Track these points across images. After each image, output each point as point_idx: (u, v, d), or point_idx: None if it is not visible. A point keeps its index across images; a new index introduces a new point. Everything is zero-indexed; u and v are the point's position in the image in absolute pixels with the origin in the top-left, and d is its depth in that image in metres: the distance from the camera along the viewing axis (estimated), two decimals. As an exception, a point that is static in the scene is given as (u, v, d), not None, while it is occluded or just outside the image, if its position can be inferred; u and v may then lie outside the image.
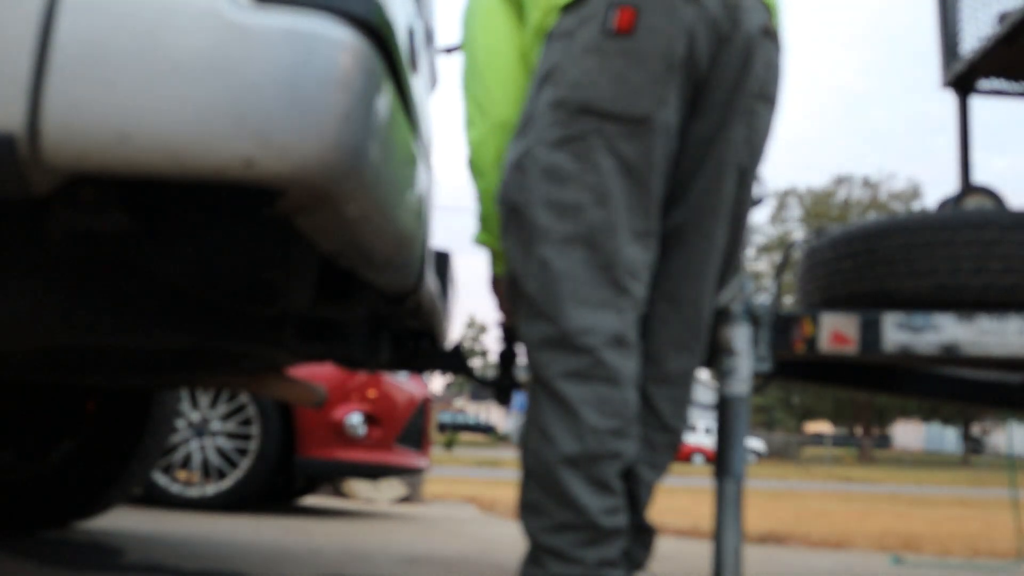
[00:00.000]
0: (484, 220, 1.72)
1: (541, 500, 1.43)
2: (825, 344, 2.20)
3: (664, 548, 3.70)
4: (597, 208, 1.44)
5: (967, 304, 2.09)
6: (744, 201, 1.63)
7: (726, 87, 1.52)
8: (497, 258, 1.75)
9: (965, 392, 2.47)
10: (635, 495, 1.55)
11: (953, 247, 2.32)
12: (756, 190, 1.71)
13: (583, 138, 1.43)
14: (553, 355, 1.43)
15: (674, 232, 1.57)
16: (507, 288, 1.54)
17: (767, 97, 1.58)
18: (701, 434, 33.69)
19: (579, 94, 1.44)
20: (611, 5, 1.44)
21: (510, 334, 2.32)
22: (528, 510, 1.45)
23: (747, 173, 1.60)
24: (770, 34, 1.56)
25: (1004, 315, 2.04)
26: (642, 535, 1.60)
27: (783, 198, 43.33)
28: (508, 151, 1.53)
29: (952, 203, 3.13)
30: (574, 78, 1.44)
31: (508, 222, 1.50)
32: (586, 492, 1.40)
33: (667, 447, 1.61)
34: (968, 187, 3.26)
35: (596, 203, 1.43)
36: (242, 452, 3.99)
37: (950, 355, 2.08)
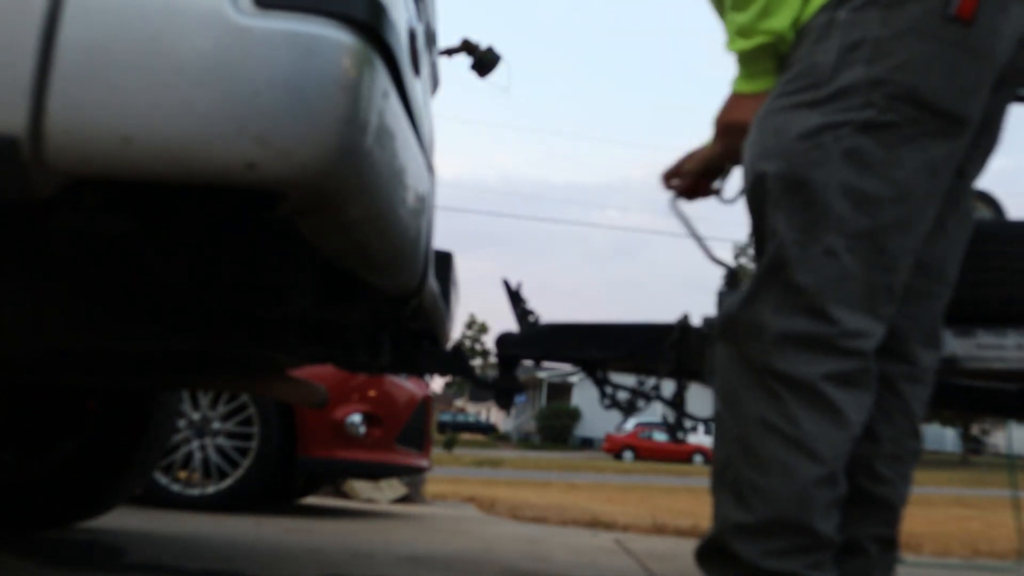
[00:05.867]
0: (752, 62, 1.46)
1: (774, 521, 1.26)
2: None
3: (664, 548, 3.69)
4: (894, 205, 1.30)
5: (963, 317, 2.08)
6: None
7: (1007, 84, 1.43)
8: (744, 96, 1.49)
9: (962, 400, 2.46)
10: (894, 507, 1.45)
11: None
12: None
13: (895, 127, 1.29)
14: (815, 355, 1.27)
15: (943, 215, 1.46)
16: (766, 272, 1.35)
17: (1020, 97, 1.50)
18: (701, 434, 33.68)
19: (903, 79, 1.29)
20: None
21: (509, 338, 2.32)
22: (750, 532, 1.28)
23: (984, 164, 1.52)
24: None
25: (1002, 330, 2.03)
26: (891, 551, 1.47)
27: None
28: (794, 116, 1.34)
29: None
30: (900, 60, 1.29)
31: (787, 197, 1.32)
32: (829, 508, 1.27)
33: (915, 456, 1.48)
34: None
35: (895, 200, 1.30)
36: (243, 452, 3.99)
37: (948, 368, 2.07)
